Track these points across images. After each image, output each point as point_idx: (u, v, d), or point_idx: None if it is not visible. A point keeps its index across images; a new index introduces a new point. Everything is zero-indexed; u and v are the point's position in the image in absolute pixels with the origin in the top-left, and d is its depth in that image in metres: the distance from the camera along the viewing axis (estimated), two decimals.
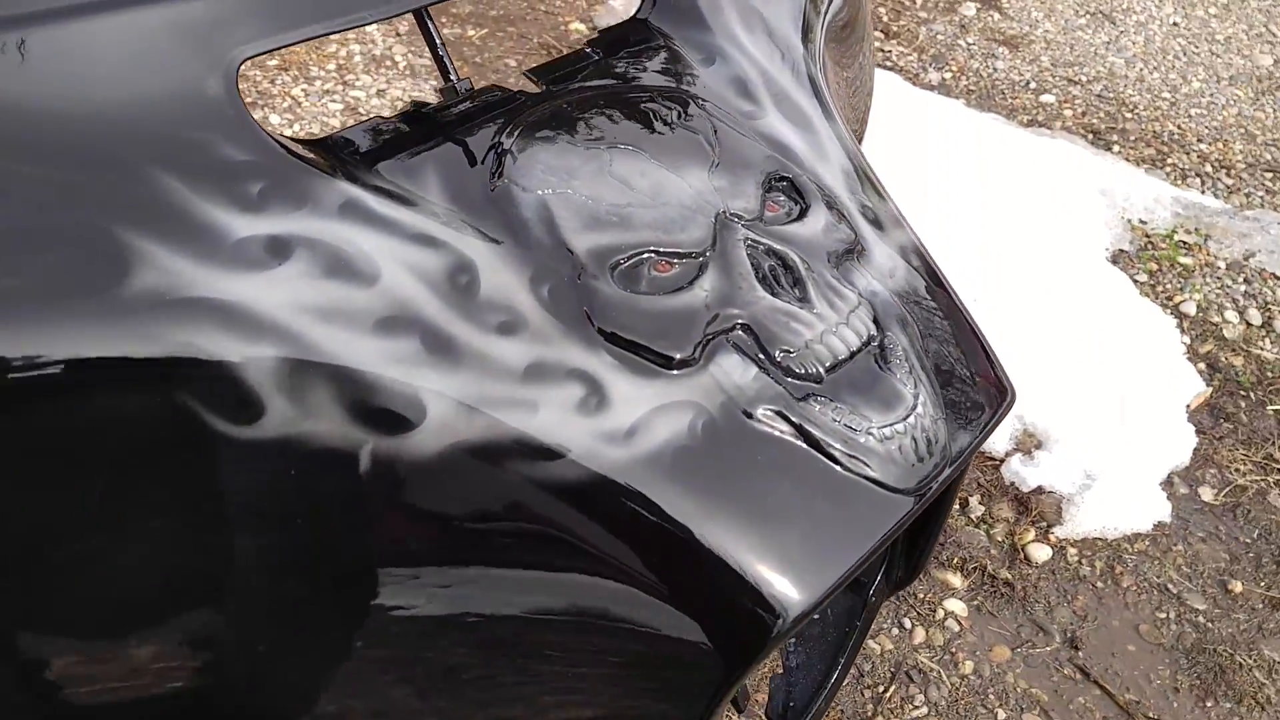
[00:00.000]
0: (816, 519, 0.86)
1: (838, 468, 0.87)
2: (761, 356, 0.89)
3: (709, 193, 0.95)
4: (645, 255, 0.90)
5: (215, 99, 0.74)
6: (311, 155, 0.82)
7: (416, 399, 0.75)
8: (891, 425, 0.90)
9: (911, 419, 0.91)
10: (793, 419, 0.88)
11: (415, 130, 0.93)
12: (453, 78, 1.00)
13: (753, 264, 0.92)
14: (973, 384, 1.00)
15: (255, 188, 0.75)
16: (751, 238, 0.94)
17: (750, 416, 0.87)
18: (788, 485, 0.86)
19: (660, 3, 1.15)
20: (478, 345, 0.79)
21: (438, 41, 0.99)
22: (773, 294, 0.91)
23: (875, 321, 0.96)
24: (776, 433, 0.87)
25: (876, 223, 1.06)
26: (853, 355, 0.91)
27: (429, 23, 0.97)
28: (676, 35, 1.12)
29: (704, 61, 1.11)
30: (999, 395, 1.00)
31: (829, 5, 1.27)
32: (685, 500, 0.81)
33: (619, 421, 0.82)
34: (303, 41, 0.80)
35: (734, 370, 0.88)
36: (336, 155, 0.85)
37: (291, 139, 0.83)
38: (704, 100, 1.05)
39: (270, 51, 0.78)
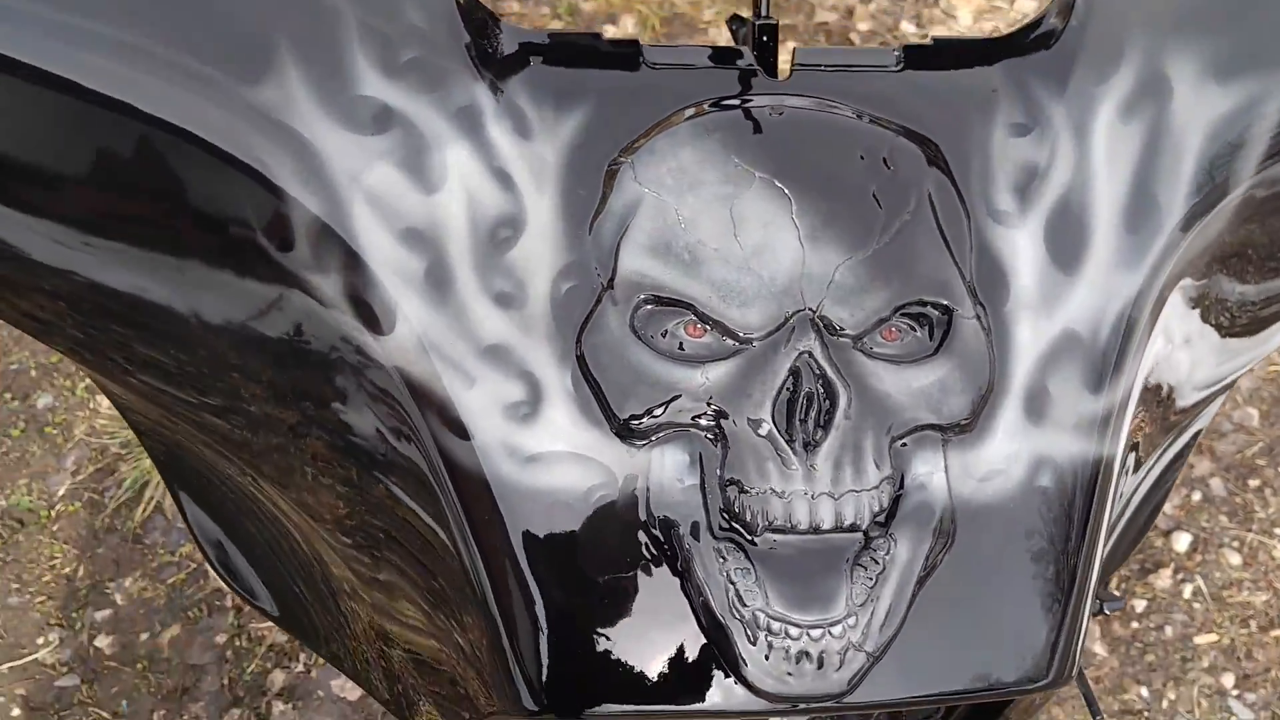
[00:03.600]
0: (632, 646, 0.77)
1: (693, 621, 0.78)
2: (711, 475, 0.78)
3: (814, 283, 0.81)
4: (683, 309, 0.79)
5: None
6: (483, 43, 0.81)
7: (392, 313, 0.78)
8: (787, 623, 0.76)
9: (819, 632, 0.76)
10: (684, 548, 0.77)
11: (615, 66, 0.85)
12: (762, 10, 0.94)
13: (787, 383, 0.79)
14: (1002, 645, 0.84)
15: (407, 54, 0.78)
16: (813, 356, 0.79)
17: (647, 522, 0.78)
18: (632, 605, 0.78)
19: (1046, 34, 0.90)
20: (465, 300, 0.79)
21: None
22: (780, 424, 0.78)
23: (885, 518, 0.80)
24: (658, 552, 0.78)
25: (1038, 413, 0.85)
26: (816, 533, 0.78)
27: None
28: (1020, 81, 0.89)
29: (1017, 129, 0.87)
30: (1025, 672, 0.83)
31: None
32: (530, 548, 0.78)
33: (529, 443, 0.78)
34: None
35: (672, 469, 0.79)
36: (514, 53, 0.82)
37: (496, 20, 0.83)
38: (944, 171, 0.85)
39: None
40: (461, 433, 0.78)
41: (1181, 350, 1.00)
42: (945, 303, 0.83)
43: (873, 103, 0.87)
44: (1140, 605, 2.06)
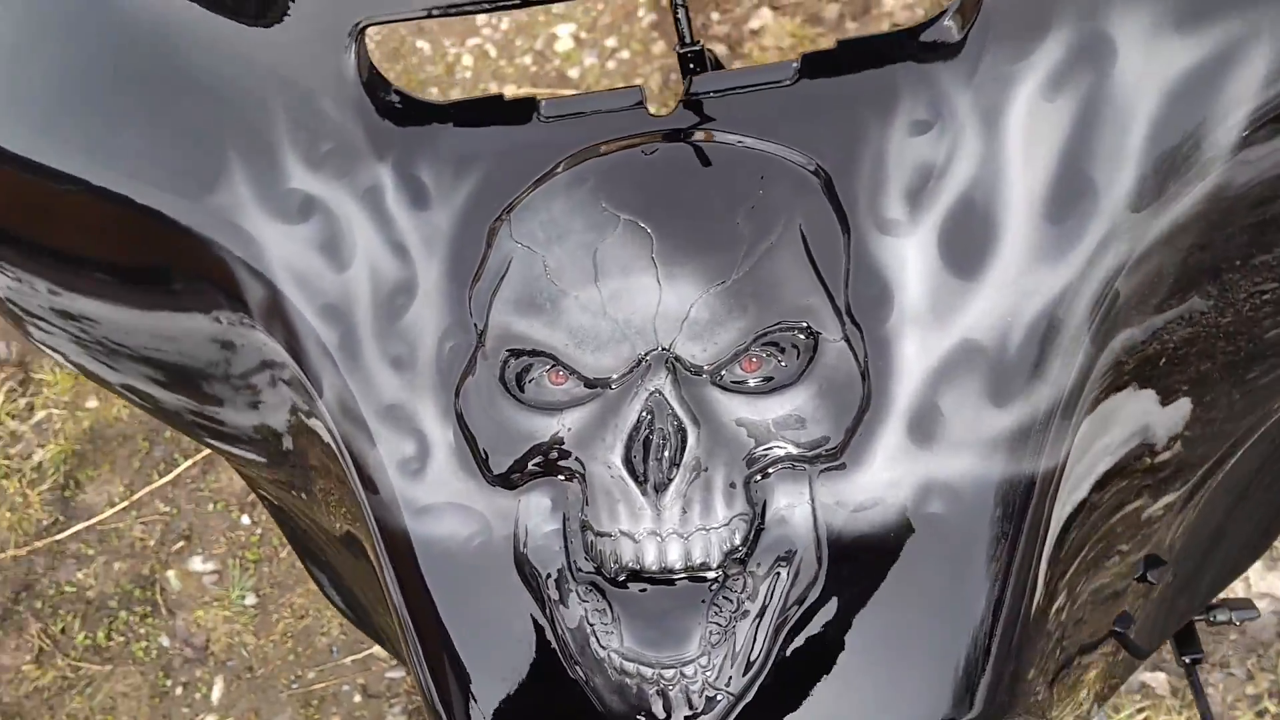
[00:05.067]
0: (513, 689, 0.79)
1: (560, 657, 0.78)
2: (572, 518, 0.79)
3: (667, 321, 0.79)
4: (545, 358, 0.81)
5: (336, 55, 0.86)
6: (386, 124, 0.88)
7: (320, 380, 0.86)
8: (639, 662, 0.75)
9: (671, 673, 0.75)
10: (549, 590, 0.78)
11: (511, 123, 0.89)
12: (685, 37, 0.96)
13: (640, 422, 0.78)
14: (893, 680, 0.78)
15: (325, 146, 0.86)
16: (662, 395, 0.78)
17: (519, 564, 0.80)
18: (511, 645, 0.80)
19: (966, 8, 0.80)
20: (369, 364, 0.85)
21: None
22: (633, 465, 0.77)
23: (739, 554, 0.77)
24: (530, 595, 0.80)
25: (926, 434, 0.77)
26: (666, 572, 0.76)
27: None
28: (924, 73, 0.81)
29: (917, 127, 0.79)
30: (923, 708, 0.77)
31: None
32: (427, 596, 0.82)
33: (420, 495, 0.83)
34: (426, 18, 0.88)
35: (536, 514, 0.80)
36: (416, 125, 0.89)
37: (404, 97, 0.90)
38: (824, 188, 0.80)
39: (394, 21, 0.87)
40: (373, 486, 0.85)
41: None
42: (807, 325, 0.77)
43: (757, 125, 0.83)
44: None
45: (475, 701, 0.81)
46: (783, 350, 0.78)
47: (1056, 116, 0.77)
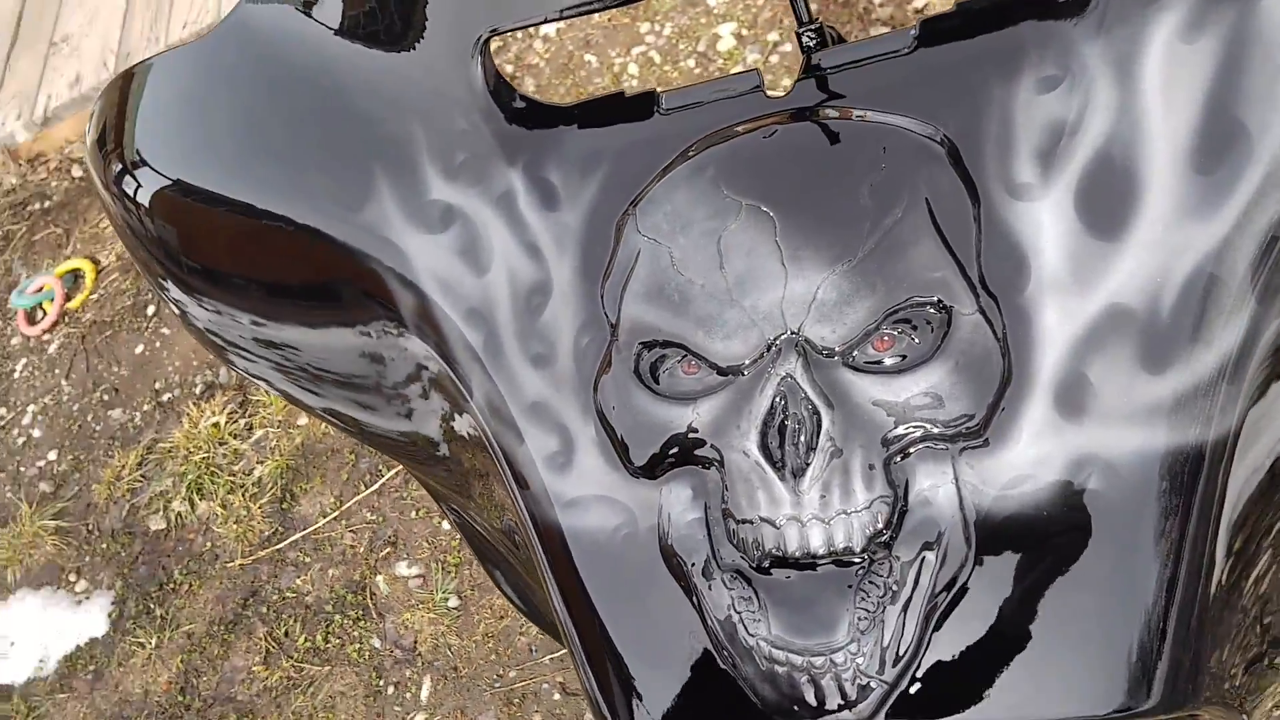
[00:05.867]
0: (668, 683, 0.79)
1: (710, 646, 0.78)
2: (714, 507, 0.79)
3: (794, 304, 0.78)
4: (676, 349, 0.82)
5: (464, 69, 0.90)
6: (515, 129, 0.91)
7: (469, 383, 0.89)
8: (788, 650, 0.74)
9: (821, 660, 0.73)
10: (694, 580, 0.78)
11: (632, 119, 0.89)
12: (802, 15, 0.96)
13: (774, 408, 0.77)
14: (1069, 665, 0.73)
15: (460, 157, 0.90)
16: (794, 380, 0.76)
17: (665, 555, 0.80)
18: (662, 635, 0.80)
19: None
20: (511, 364, 0.88)
21: None
22: (769, 450, 0.76)
23: (883, 537, 0.74)
24: (677, 584, 0.80)
25: (1074, 406, 0.73)
26: (810, 558, 0.74)
27: None
28: (1049, 26, 0.78)
29: (1044, 84, 0.76)
30: (1099, 694, 0.71)
31: None
32: (574, 587, 0.84)
33: (567, 489, 0.85)
34: (544, 23, 0.93)
35: (678, 504, 0.80)
36: (543, 129, 0.91)
37: (530, 102, 0.93)
38: (950, 157, 0.78)
39: (515, 30, 0.91)
40: (524, 482, 0.87)
41: None
42: (939, 300, 0.75)
43: (875, 98, 0.82)
44: None
45: (633, 692, 0.82)
46: (915, 327, 0.76)
47: (1198, 59, 0.72)
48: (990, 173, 0.77)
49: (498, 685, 2.19)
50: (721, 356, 0.79)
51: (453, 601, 2.30)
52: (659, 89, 0.89)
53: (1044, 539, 0.74)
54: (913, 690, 0.74)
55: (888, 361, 0.77)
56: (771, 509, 0.76)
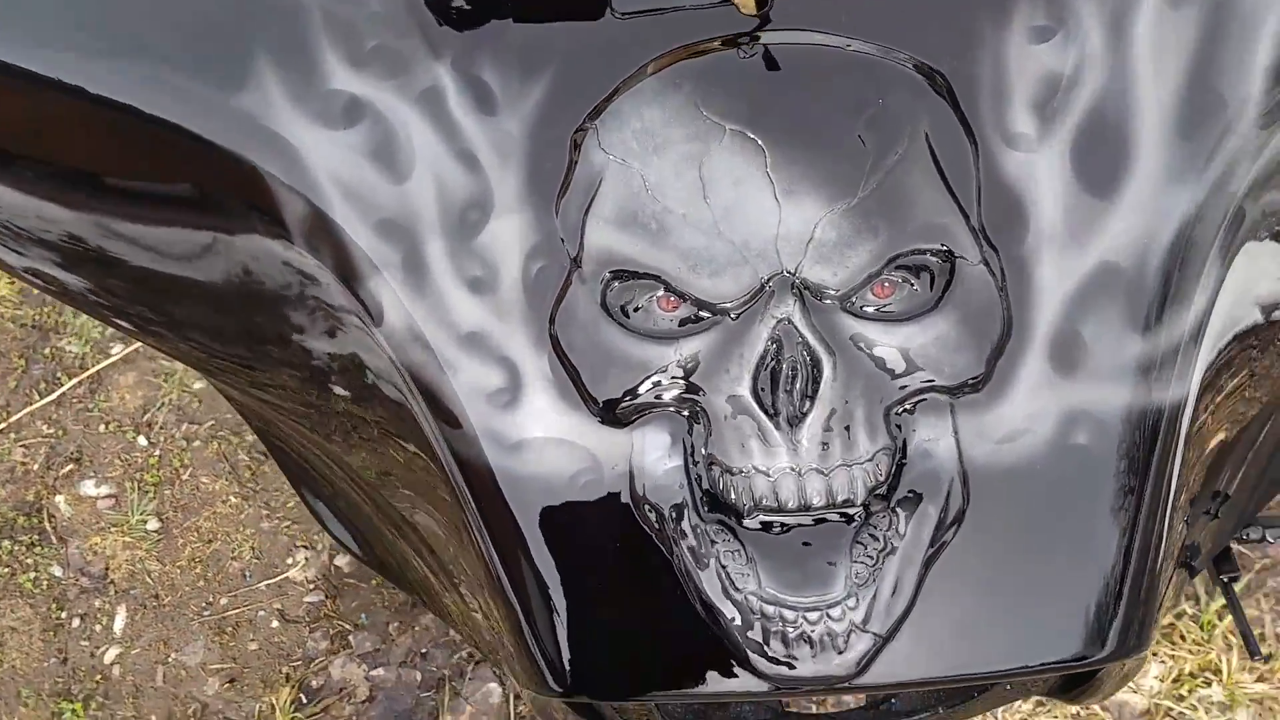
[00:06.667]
0: (639, 633, 0.77)
1: (693, 603, 0.75)
2: (695, 455, 0.75)
3: (791, 243, 0.74)
4: (653, 282, 0.76)
5: None
6: (439, 17, 0.79)
7: (379, 304, 0.79)
8: (780, 605, 0.72)
9: (815, 615, 0.72)
10: (672, 532, 0.75)
11: (580, 18, 0.80)
12: None
13: (768, 354, 0.74)
14: (1042, 616, 0.76)
15: (370, 43, 0.78)
16: (792, 323, 0.73)
17: (636, 504, 0.76)
18: (633, 591, 0.77)
19: None
20: (441, 286, 0.79)
21: None
22: (761, 397, 0.73)
23: (888, 490, 0.74)
24: (651, 536, 0.77)
25: (1068, 362, 0.76)
26: (805, 509, 0.73)
27: None
28: None
29: (1038, 34, 0.76)
30: (1075, 644, 0.75)
31: None
32: (530, 536, 0.77)
33: (513, 430, 0.77)
34: None
35: (654, 451, 0.76)
36: (476, 20, 0.80)
37: None
38: (947, 97, 0.76)
39: None
40: (454, 421, 0.79)
41: None
42: (945, 248, 0.74)
43: (864, 26, 0.77)
44: None
45: (595, 651, 0.77)
46: (917, 274, 0.75)
47: (1183, 26, 0.74)
48: (986, 119, 0.76)
49: (207, 613, 2.02)
50: (709, 294, 0.75)
51: (152, 524, 2.08)
52: None
53: (1034, 492, 0.76)
54: (898, 642, 0.74)
55: (891, 308, 0.75)
56: (766, 459, 0.73)
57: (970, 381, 0.75)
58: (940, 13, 0.78)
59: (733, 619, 0.74)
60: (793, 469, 0.73)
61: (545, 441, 0.78)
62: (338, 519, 1.19)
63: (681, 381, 0.75)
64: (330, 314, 0.83)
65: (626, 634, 0.78)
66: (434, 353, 0.79)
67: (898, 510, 0.74)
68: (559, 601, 0.77)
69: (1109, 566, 0.75)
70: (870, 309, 0.76)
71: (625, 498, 0.77)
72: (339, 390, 0.88)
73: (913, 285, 0.76)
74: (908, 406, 0.75)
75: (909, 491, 0.75)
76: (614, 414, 0.76)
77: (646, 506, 0.76)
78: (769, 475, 0.73)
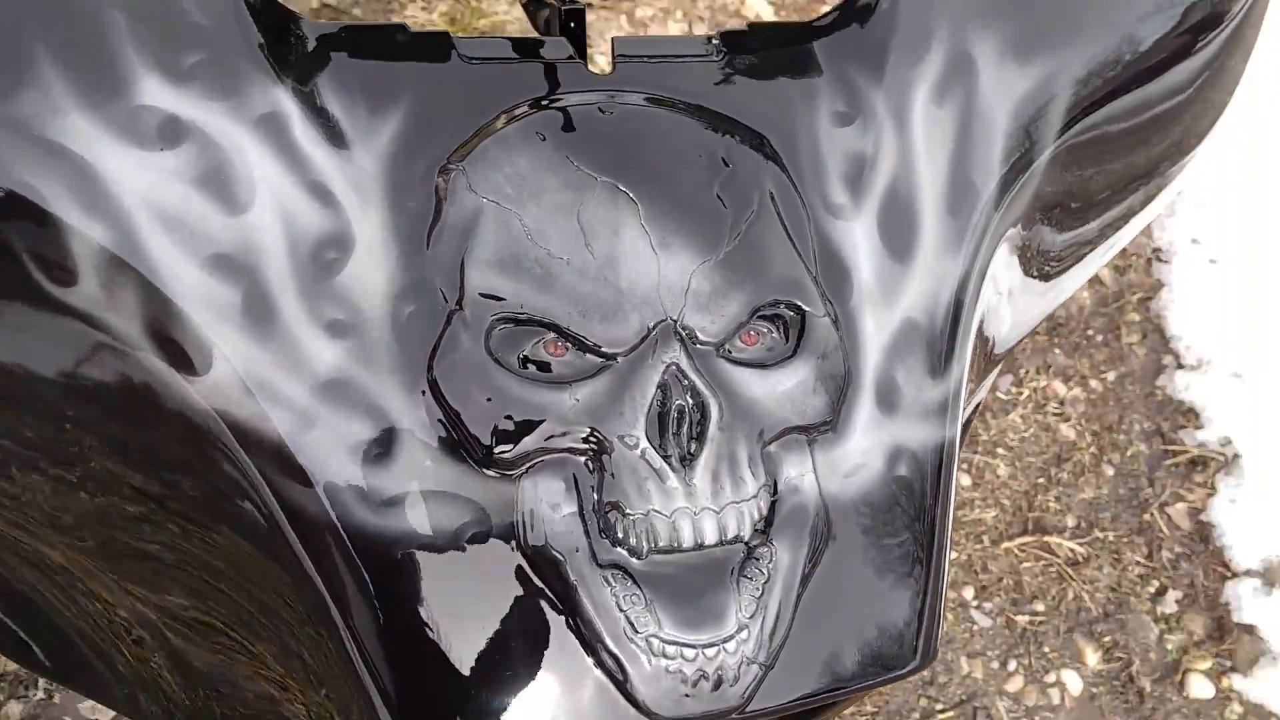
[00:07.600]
0: (529, 686, 0.73)
1: (585, 656, 0.74)
2: (589, 501, 0.74)
3: (672, 291, 0.77)
4: (541, 328, 0.75)
5: None
6: (279, 42, 0.75)
7: (206, 351, 0.71)
8: (681, 644, 0.73)
9: (714, 651, 0.73)
10: (570, 579, 0.73)
11: (426, 59, 0.79)
12: None
13: (658, 396, 0.75)
14: (877, 633, 0.81)
15: (191, 58, 0.71)
16: (680, 367, 0.76)
17: (527, 556, 0.73)
18: (523, 645, 0.73)
19: (852, 12, 0.88)
20: (295, 332, 0.72)
21: None
22: (656, 440, 0.74)
23: (764, 525, 0.76)
24: (542, 587, 0.74)
25: (889, 404, 0.83)
26: (700, 548, 0.74)
27: None
28: (839, 68, 0.87)
29: (840, 118, 0.85)
30: (899, 657, 0.81)
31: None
32: (398, 602, 0.73)
33: (386, 484, 0.72)
34: None
35: (547, 497, 0.74)
36: (316, 50, 0.76)
37: (293, 16, 0.77)
38: (780, 166, 0.83)
39: None
40: (302, 479, 0.72)
41: (1005, 304, 0.99)
42: (798, 303, 0.80)
43: (701, 95, 0.84)
44: None
45: (483, 710, 0.73)
46: (776, 324, 0.80)
47: (944, 122, 0.87)
48: (810, 187, 0.83)
49: None
50: (604, 340, 0.75)
51: None
52: (452, 32, 0.81)
53: (873, 519, 0.81)
54: (776, 669, 0.76)
55: (755, 356, 0.79)
56: (663, 501, 0.74)
57: (824, 421, 0.80)
58: (761, 91, 0.85)
59: (632, 661, 0.73)
60: (687, 509, 0.74)
61: (424, 495, 0.72)
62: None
63: (573, 427, 0.74)
64: (118, 370, 0.73)
65: (524, 690, 0.74)
66: (282, 403, 0.71)
67: (775, 543, 0.77)
68: (436, 670, 0.73)
69: (923, 585, 0.82)
70: (742, 356, 0.79)
71: (516, 549, 0.74)
72: (134, 475, 0.77)
73: (773, 334, 0.80)
74: (775, 447, 0.78)
75: (783, 524, 0.77)
76: (502, 462, 0.73)
77: (542, 556, 0.73)
78: (666, 516, 0.74)
